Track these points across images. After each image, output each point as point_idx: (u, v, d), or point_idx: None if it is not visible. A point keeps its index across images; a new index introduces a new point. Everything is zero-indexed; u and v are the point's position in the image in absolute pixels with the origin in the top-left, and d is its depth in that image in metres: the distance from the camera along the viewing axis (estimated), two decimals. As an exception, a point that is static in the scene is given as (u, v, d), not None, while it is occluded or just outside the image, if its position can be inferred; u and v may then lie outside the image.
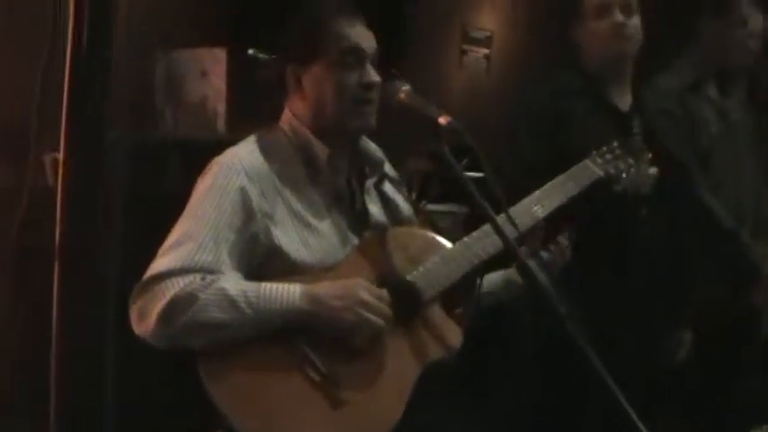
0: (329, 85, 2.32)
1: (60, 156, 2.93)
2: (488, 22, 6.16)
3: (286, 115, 2.43)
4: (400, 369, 2.20)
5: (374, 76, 2.33)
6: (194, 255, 2.14)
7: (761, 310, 3.68)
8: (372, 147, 2.48)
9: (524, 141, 3.04)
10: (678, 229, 3.34)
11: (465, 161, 2.26)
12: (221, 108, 3.97)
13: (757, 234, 3.67)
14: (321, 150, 2.36)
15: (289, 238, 2.26)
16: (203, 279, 2.12)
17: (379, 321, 2.15)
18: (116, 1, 1.49)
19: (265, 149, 2.36)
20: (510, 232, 2.20)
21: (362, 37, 2.34)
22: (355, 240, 2.36)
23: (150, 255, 2.21)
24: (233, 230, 2.20)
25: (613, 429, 1.87)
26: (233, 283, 2.14)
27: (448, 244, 2.39)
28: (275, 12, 2.45)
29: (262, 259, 2.24)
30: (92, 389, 1.57)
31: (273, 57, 2.43)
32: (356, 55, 2.33)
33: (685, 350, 3.43)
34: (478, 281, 2.46)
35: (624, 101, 3.26)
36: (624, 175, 2.60)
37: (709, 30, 3.64)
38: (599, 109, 3.17)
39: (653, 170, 2.83)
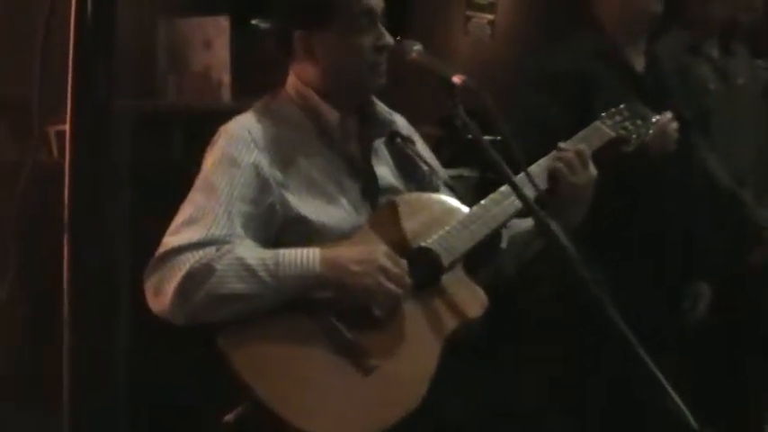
0: (345, 48, 2.28)
1: (65, 128, 2.90)
2: (493, -13, 6.11)
3: (291, 81, 2.38)
4: (426, 335, 2.17)
5: (388, 37, 2.29)
6: (208, 229, 2.10)
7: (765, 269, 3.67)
8: (381, 107, 2.44)
9: (546, 102, 3.01)
10: (682, 187, 3.34)
11: (476, 124, 2.22)
12: (225, 77, 3.94)
13: (761, 195, 3.66)
14: (331, 115, 2.32)
15: (306, 205, 2.23)
16: (218, 250, 2.08)
17: (398, 289, 2.11)
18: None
19: (273, 117, 2.32)
20: (529, 192, 2.16)
21: None
22: (369, 205, 2.32)
23: (156, 225, 2.18)
24: (246, 202, 2.16)
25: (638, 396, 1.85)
26: (250, 251, 2.10)
27: (465, 208, 2.35)
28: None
29: (280, 229, 2.21)
30: (105, 366, 1.54)
31: (277, 24, 2.36)
32: (369, 16, 2.29)
33: (705, 304, 3.42)
34: (501, 244, 2.43)
35: (639, 61, 3.29)
36: (634, 136, 2.58)
37: None
38: (618, 70, 3.20)
39: (674, 126, 2.84)
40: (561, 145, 2.41)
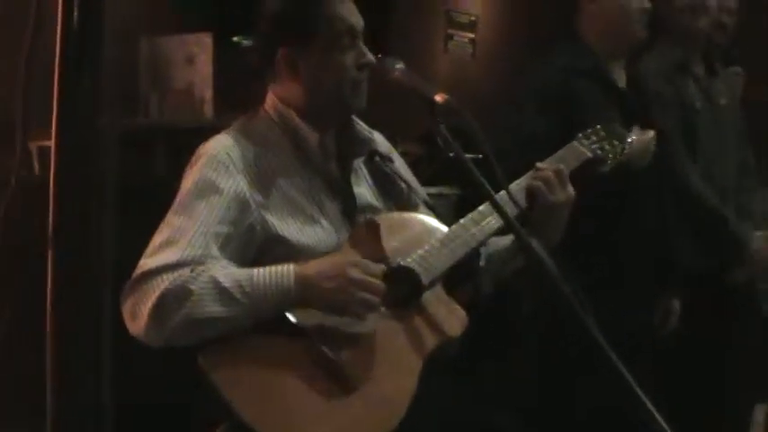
0: (328, 66, 2.28)
1: (49, 144, 2.90)
2: (473, 6, 6.15)
3: (270, 100, 2.37)
4: (407, 354, 2.15)
5: (369, 55, 2.30)
6: (183, 250, 2.08)
7: (746, 286, 3.71)
8: (360, 125, 2.44)
9: (533, 117, 3.04)
10: (664, 203, 3.38)
11: (458, 143, 2.23)
12: (208, 94, 3.95)
13: (740, 214, 3.68)
14: (310, 135, 2.32)
15: (286, 226, 2.22)
16: (192, 271, 2.07)
17: (372, 298, 2.09)
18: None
19: (252, 137, 2.30)
20: (510, 211, 2.17)
21: (354, 15, 2.31)
22: (349, 225, 2.32)
23: (137, 242, 2.17)
24: (224, 224, 2.15)
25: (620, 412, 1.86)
26: (224, 272, 2.09)
27: (444, 227, 2.36)
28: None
29: (260, 249, 2.20)
30: (89, 379, 1.54)
31: (261, 40, 2.36)
32: (351, 35, 2.29)
33: (675, 318, 3.45)
34: (479, 262, 2.44)
35: (621, 78, 3.33)
36: (610, 156, 2.60)
37: (678, 8, 3.66)
38: (602, 86, 3.24)
39: (651, 139, 2.88)
40: (539, 165, 2.43)
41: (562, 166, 2.42)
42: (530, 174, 2.40)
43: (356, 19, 2.29)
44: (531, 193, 2.37)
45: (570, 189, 2.39)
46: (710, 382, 3.64)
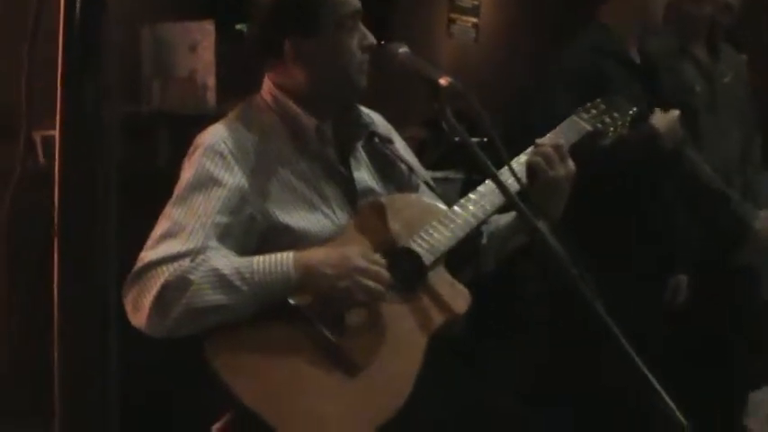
0: (335, 51, 2.27)
1: (53, 133, 2.89)
2: (476, -10, 6.15)
3: (267, 87, 2.36)
4: (410, 335, 2.16)
5: (371, 36, 2.30)
6: (184, 242, 2.09)
7: (752, 267, 3.72)
8: (360, 110, 2.44)
9: (561, 95, 3.06)
10: (668, 183, 3.42)
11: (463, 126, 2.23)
12: (211, 82, 3.95)
13: (745, 194, 3.69)
14: (308, 121, 2.31)
15: (287, 213, 2.22)
16: (192, 261, 2.08)
17: (377, 286, 2.09)
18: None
19: (250, 125, 2.29)
20: (513, 188, 2.16)
21: None
22: (350, 209, 2.32)
23: (139, 231, 2.17)
24: (223, 214, 2.15)
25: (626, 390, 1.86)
26: (224, 260, 2.09)
27: (444, 207, 2.36)
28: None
29: (262, 238, 2.20)
30: (97, 373, 1.53)
31: (264, 28, 2.35)
32: (355, 18, 2.29)
33: (683, 295, 3.47)
34: (481, 241, 2.43)
35: (635, 54, 3.43)
36: (611, 129, 2.60)
37: None
38: (626, 67, 3.34)
39: (677, 118, 2.95)
40: (538, 141, 2.42)
41: (562, 141, 2.41)
42: (530, 150, 2.39)
43: (357, 1, 2.29)
44: (531, 168, 2.36)
45: (570, 164, 2.38)
46: (710, 366, 3.66)
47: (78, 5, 1.43)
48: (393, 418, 2.04)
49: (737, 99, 3.79)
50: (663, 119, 3.15)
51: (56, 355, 1.42)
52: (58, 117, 1.41)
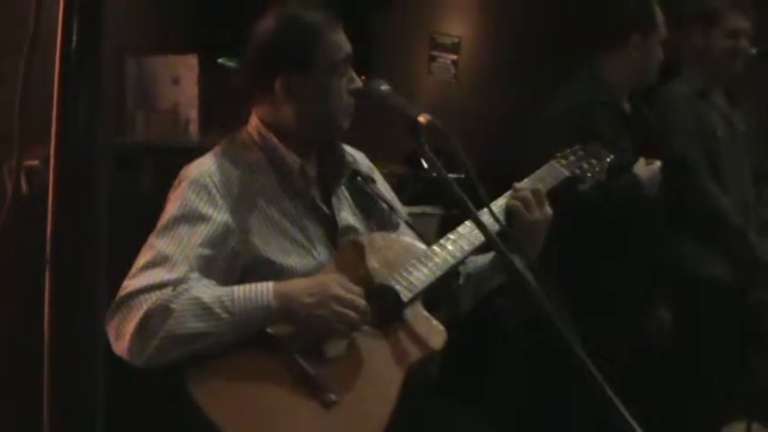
0: (325, 91, 2.33)
1: (35, 163, 2.91)
2: (456, 28, 6.20)
3: (254, 123, 2.41)
4: (387, 369, 2.19)
5: (358, 81, 2.36)
6: (168, 272, 2.12)
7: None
8: (342, 148, 2.48)
9: (556, 139, 3.12)
10: (677, 218, 3.60)
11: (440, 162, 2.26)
12: (193, 114, 3.97)
13: (760, 235, 3.82)
14: (292, 160, 2.36)
15: (269, 248, 2.26)
16: (174, 290, 2.11)
17: (353, 315, 2.13)
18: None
19: (235, 159, 2.34)
20: (492, 228, 2.20)
21: (347, 43, 2.37)
22: (331, 246, 2.36)
23: (122, 261, 2.19)
24: (206, 247, 2.18)
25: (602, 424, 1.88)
26: (206, 290, 2.12)
27: (423, 246, 2.40)
28: (250, 19, 2.43)
29: (244, 271, 2.23)
30: (86, 405, 1.56)
31: (255, 65, 2.39)
32: (346, 62, 2.35)
33: (665, 330, 3.53)
34: (458, 281, 2.47)
35: (625, 104, 3.61)
36: (589, 175, 2.65)
37: (700, 41, 3.79)
38: (617, 117, 3.50)
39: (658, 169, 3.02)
40: (516, 185, 2.48)
41: (540, 186, 2.47)
42: (509, 193, 2.45)
43: (348, 46, 2.35)
44: (509, 212, 2.42)
45: (547, 208, 2.44)
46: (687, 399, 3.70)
47: (75, 38, 1.47)
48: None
49: (750, 146, 3.92)
50: (646, 169, 3.24)
51: (45, 382, 1.45)
52: (52, 145, 1.45)
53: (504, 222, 2.37)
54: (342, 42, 2.35)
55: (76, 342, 1.52)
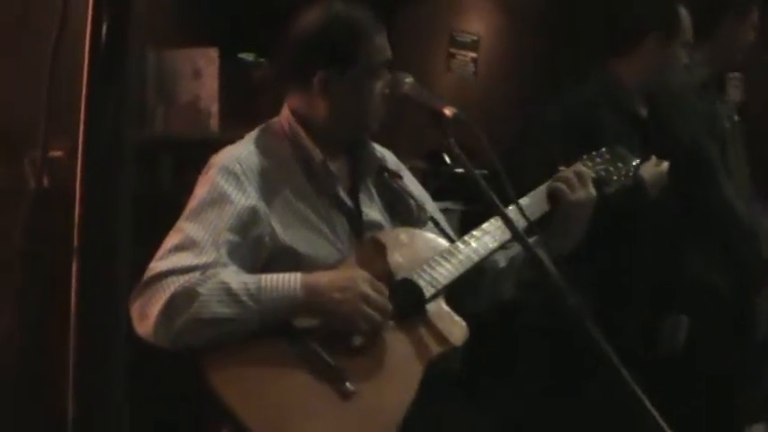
0: (363, 93, 2.33)
1: (58, 155, 2.91)
2: (475, 26, 6.20)
3: (285, 114, 2.41)
4: (406, 363, 2.19)
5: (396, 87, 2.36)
6: (195, 257, 2.13)
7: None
8: (371, 145, 2.48)
9: (556, 147, 3.10)
10: (693, 219, 3.48)
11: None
12: (214, 108, 3.98)
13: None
14: (315, 154, 2.36)
15: (294, 237, 2.26)
16: (202, 274, 2.11)
17: (377, 316, 2.14)
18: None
19: (265, 148, 2.35)
20: (520, 224, 2.20)
21: (389, 48, 2.37)
22: (355, 240, 2.36)
23: (142, 255, 2.19)
24: (234, 233, 2.19)
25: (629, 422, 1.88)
26: (233, 276, 2.13)
27: (447, 243, 2.40)
28: (269, 14, 2.43)
29: (268, 258, 2.24)
30: (109, 394, 1.56)
31: (296, 59, 2.39)
32: (386, 66, 2.35)
33: (684, 335, 3.50)
34: (481, 277, 2.47)
35: (642, 108, 3.46)
36: (614, 178, 2.64)
37: (727, 30, 3.72)
38: (628, 119, 3.39)
39: (666, 170, 2.97)
40: (561, 168, 2.49)
41: (583, 168, 2.48)
42: (548, 182, 2.45)
43: (389, 51, 2.36)
44: (552, 194, 2.43)
45: (591, 189, 2.46)
46: (709, 400, 3.68)
47: (104, 30, 1.47)
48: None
49: (742, 138, 3.88)
50: (651, 170, 3.19)
51: (71, 369, 1.45)
52: (80, 138, 1.45)
53: (544, 208, 2.40)
54: (385, 46, 2.35)
55: (102, 330, 1.53)
